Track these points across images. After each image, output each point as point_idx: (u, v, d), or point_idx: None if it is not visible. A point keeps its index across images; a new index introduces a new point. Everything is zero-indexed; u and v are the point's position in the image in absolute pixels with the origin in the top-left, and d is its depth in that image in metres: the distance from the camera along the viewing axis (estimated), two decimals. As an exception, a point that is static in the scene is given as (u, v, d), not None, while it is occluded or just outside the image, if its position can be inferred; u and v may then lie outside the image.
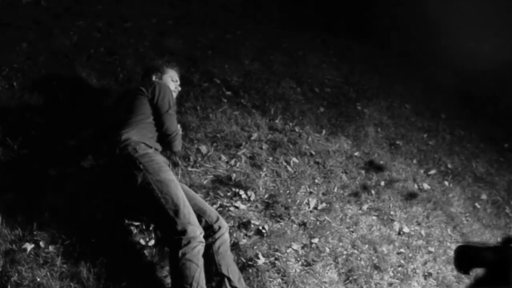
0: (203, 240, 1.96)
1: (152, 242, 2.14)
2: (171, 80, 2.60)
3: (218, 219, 2.14)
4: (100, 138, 2.45)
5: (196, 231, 1.94)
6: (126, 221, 2.22)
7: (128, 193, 2.13)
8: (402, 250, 2.61)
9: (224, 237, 2.11)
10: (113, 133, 2.22)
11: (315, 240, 2.42)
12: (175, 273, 1.89)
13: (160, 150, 2.32)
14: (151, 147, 2.21)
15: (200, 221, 2.08)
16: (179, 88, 2.69)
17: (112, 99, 2.63)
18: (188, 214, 1.97)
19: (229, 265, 2.04)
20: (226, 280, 2.00)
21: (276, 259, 2.25)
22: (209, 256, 2.03)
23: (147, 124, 2.29)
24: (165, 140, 2.34)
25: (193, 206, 2.12)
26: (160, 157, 2.20)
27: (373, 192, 2.89)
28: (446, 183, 3.27)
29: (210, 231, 2.09)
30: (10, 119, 2.53)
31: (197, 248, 1.91)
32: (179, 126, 2.66)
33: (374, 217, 2.74)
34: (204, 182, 2.53)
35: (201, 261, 1.90)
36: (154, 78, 2.55)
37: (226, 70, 3.42)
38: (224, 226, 2.13)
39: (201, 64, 3.39)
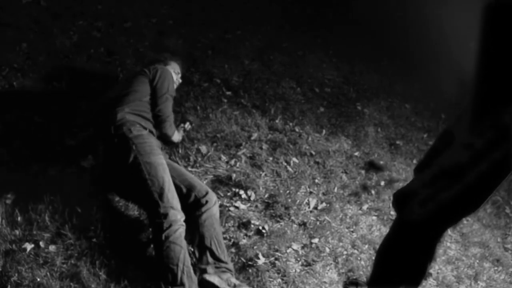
0: (183, 223, 2.01)
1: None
2: (173, 72, 2.67)
3: (207, 193, 2.17)
4: (96, 113, 2.47)
5: (177, 215, 1.99)
6: (126, 221, 2.23)
7: (119, 171, 2.19)
8: (402, 250, 2.61)
9: (212, 211, 2.14)
10: (109, 109, 2.28)
11: (315, 240, 2.42)
12: (160, 256, 1.93)
13: (155, 133, 2.36)
14: (145, 129, 2.26)
15: (189, 196, 2.15)
16: (180, 81, 2.77)
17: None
18: (171, 198, 2.02)
19: (212, 238, 2.08)
20: (207, 252, 2.04)
21: (276, 259, 2.25)
22: (195, 229, 2.09)
23: (143, 103, 2.35)
24: (156, 121, 2.39)
25: (183, 182, 2.19)
26: (154, 140, 2.25)
27: (373, 192, 2.89)
28: (446, 183, 3.27)
29: (198, 205, 2.14)
30: (10, 119, 2.53)
31: (179, 230, 1.96)
32: (187, 124, 2.75)
33: (374, 217, 2.74)
34: (204, 182, 2.53)
35: (184, 243, 1.96)
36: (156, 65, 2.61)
37: (226, 70, 3.42)
38: (212, 200, 2.16)
39: (201, 64, 3.39)
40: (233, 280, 2.00)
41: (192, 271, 1.93)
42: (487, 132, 1.34)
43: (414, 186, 1.65)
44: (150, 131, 2.30)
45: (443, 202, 1.47)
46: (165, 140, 2.49)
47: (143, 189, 2.05)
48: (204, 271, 2.02)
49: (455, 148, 1.46)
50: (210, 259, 2.04)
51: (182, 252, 1.92)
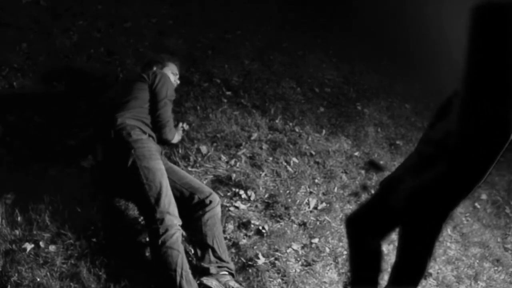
0: (180, 228, 2.00)
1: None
2: (171, 73, 2.67)
3: (210, 194, 2.19)
4: (96, 113, 2.47)
5: (173, 220, 1.99)
6: (126, 221, 2.23)
7: (117, 173, 2.20)
8: (402, 250, 2.61)
9: (214, 211, 2.16)
10: (108, 114, 2.27)
11: (315, 240, 2.42)
12: (158, 262, 1.92)
13: (155, 138, 2.36)
14: (145, 133, 2.26)
15: (192, 198, 2.17)
16: (178, 82, 2.76)
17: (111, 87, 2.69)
18: (168, 204, 2.02)
19: (215, 237, 2.09)
20: (210, 250, 2.06)
21: (276, 259, 2.25)
22: (198, 228, 2.11)
23: (144, 109, 2.36)
24: (156, 126, 2.39)
25: (185, 185, 2.20)
26: (153, 145, 2.25)
27: (373, 192, 2.89)
28: (446, 183, 3.27)
29: (201, 205, 2.16)
30: (10, 119, 2.53)
31: (176, 235, 1.95)
32: (185, 124, 2.75)
33: (374, 217, 2.74)
34: (204, 182, 2.53)
35: (181, 247, 1.95)
36: (154, 69, 2.60)
37: (226, 70, 3.42)
38: (215, 200, 2.19)
39: (201, 64, 3.39)
40: (232, 284, 2.00)
41: (191, 275, 1.92)
42: (477, 126, 1.34)
43: (399, 173, 1.66)
44: (150, 136, 2.30)
45: (426, 185, 1.45)
46: (164, 143, 2.50)
47: (140, 194, 2.05)
48: (207, 270, 2.02)
49: (439, 136, 1.50)
50: (212, 258, 2.05)
51: (180, 256, 1.91)
